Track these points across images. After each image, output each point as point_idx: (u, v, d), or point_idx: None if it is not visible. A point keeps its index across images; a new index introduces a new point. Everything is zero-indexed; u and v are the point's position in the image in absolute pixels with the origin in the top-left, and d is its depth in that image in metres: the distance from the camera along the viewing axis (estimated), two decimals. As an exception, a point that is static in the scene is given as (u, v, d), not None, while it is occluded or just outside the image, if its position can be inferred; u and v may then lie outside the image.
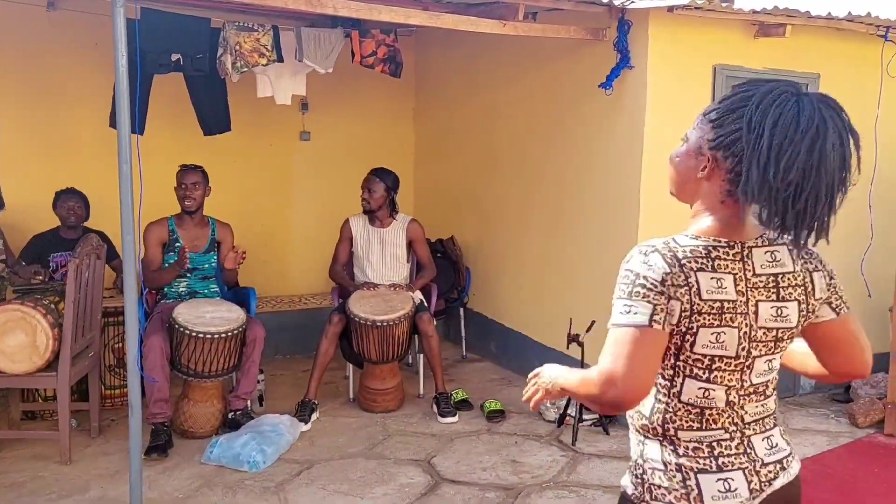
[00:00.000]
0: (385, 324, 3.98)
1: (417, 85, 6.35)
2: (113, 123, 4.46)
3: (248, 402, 4.04)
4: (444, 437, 3.91)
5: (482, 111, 5.42)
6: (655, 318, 1.26)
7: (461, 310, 5.40)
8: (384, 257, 4.45)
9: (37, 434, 3.81)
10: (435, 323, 4.26)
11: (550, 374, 1.50)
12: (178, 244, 4.10)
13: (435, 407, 4.19)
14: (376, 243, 4.45)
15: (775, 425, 1.43)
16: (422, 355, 4.50)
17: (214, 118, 4.65)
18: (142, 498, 3.06)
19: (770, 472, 1.37)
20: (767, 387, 1.40)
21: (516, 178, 5.02)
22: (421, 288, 4.50)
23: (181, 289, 4.13)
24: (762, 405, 1.39)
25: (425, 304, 4.43)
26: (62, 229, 4.57)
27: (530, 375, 1.56)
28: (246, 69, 4.02)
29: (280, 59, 4.08)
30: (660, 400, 1.37)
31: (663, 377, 1.35)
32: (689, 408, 1.34)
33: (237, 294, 4.36)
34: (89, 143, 5.23)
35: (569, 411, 3.97)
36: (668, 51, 3.90)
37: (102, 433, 3.91)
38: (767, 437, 1.39)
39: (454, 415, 4.12)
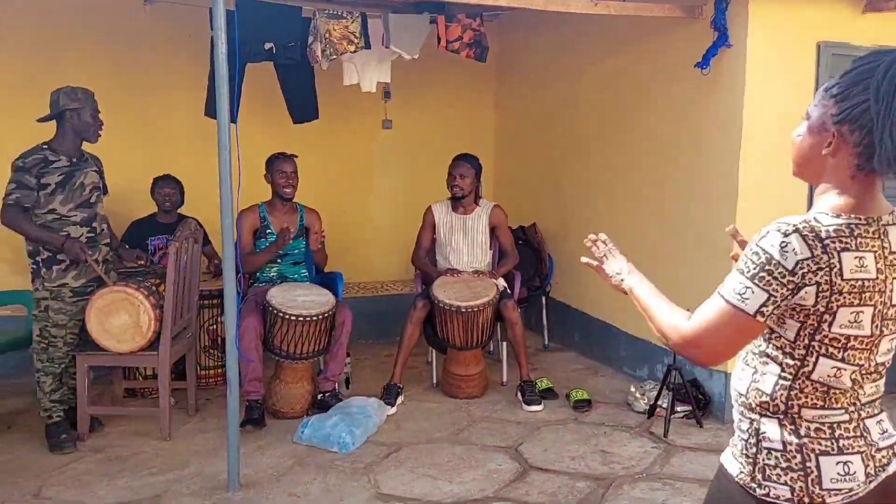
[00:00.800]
0: (469, 310, 3.96)
1: (499, 70, 6.30)
2: (209, 112, 4.62)
3: (336, 384, 4.11)
4: (529, 425, 3.87)
5: (566, 95, 5.33)
6: (763, 309, 1.26)
7: (543, 298, 5.34)
8: (467, 244, 4.44)
9: (139, 410, 3.99)
10: (519, 310, 4.22)
11: (626, 274, 1.60)
12: (269, 231, 4.20)
13: (519, 395, 4.16)
14: (459, 230, 4.45)
15: (882, 409, 1.40)
16: (504, 343, 4.48)
17: (303, 107, 4.73)
18: (239, 474, 3.16)
19: (884, 456, 1.35)
20: (884, 367, 1.38)
21: (602, 164, 4.91)
22: (503, 275, 4.46)
23: (272, 273, 4.24)
24: (876, 386, 1.38)
25: (508, 291, 4.39)
26: (159, 214, 4.76)
27: (602, 241, 1.72)
28: (335, 56, 4.06)
29: (367, 46, 4.11)
30: (785, 378, 1.33)
31: (792, 356, 1.32)
32: (817, 385, 1.32)
33: (325, 279, 4.44)
34: (184, 132, 5.41)
35: (660, 402, 3.87)
36: (769, 28, 3.71)
37: (199, 411, 4.05)
38: (879, 421, 1.38)
39: (539, 403, 4.07)
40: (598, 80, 4.92)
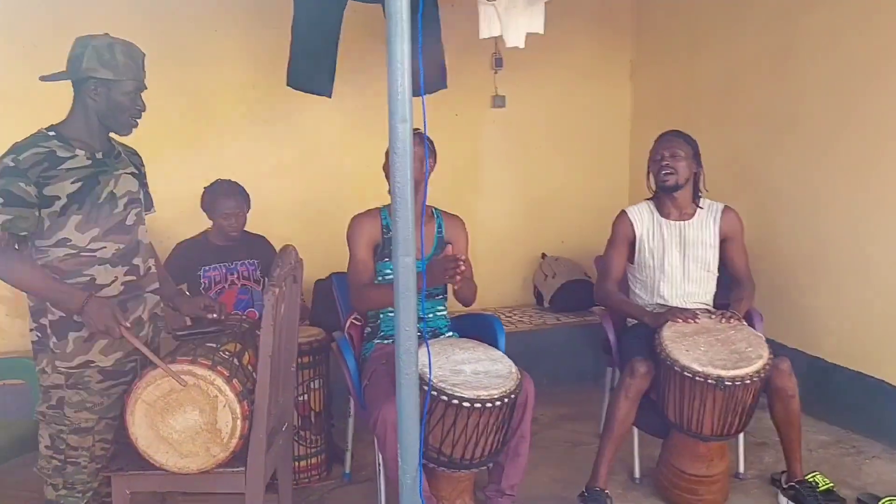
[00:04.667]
0: (737, 383, 2.48)
1: (637, 28, 4.83)
2: (294, 81, 3.18)
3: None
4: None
5: (756, 54, 3.87)
6: None
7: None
8: (686, 265, 2.96)
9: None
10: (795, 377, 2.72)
11: None
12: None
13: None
14: (675, 245, 2.96)
15: None
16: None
17: (429, 72, 3.24)
18: None
19: None
20: None
21: (823, 148, 3.48)
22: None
23: (402, 321, 2.76)
24: None
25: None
26: (213, 234, 3.32)
27: None
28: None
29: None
30: None
31: None
32: None
33: (470, 323, 2.98)
34: (235, 118, 3.98)
35: None
36: None
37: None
38: None
39: (833, 520, 2.62)
40: (820, 25, 3.44)
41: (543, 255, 4.70)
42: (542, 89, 4.68)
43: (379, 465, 2.59)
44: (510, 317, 4.47)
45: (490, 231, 4.65)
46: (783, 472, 2.82)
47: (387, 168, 2.72)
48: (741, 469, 3.02)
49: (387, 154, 2.72)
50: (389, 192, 1.81)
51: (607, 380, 3.44)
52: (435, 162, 2.79)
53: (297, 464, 3.05)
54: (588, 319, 4.36)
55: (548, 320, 4.38)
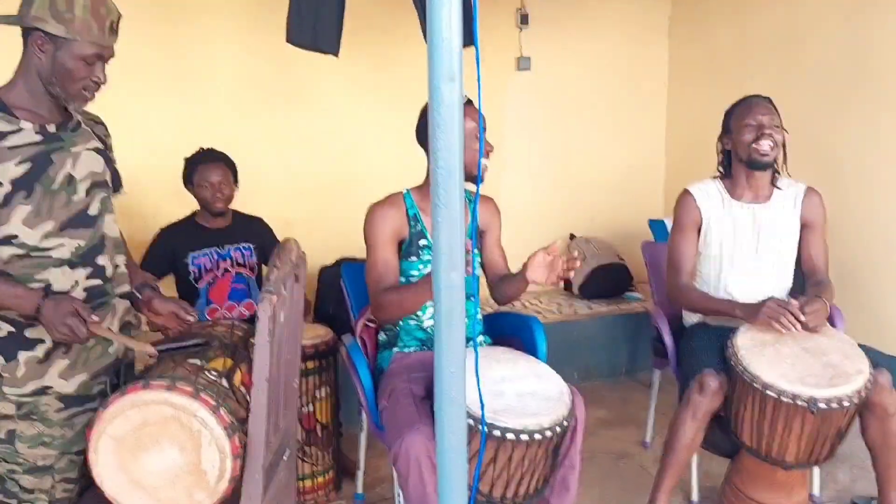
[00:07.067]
0: (833, 405, 2.05)
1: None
2: (294, 38, 2.70)
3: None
4: None
5: (824, 5, 3.38)
6: None
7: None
8: (761, 257, 2.52)
9: None
10: (896, 389, 2.30)
11: None
12: (424, 239, 2.29)
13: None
14: (748, 232, 2.52)
15: None
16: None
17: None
18: None
19: None
20: None
21: None
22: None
23: (426, 321, 2.33)
24: None
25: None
26: (201, 215, 2.89)
27: None
28: None
29: None
30: None
31: None
32: None
33: (507, 324, 2.56)
34: (227, 81, 3.51)
35: None
36: None
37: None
38: None
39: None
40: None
41: (572, 236, 4.26)
42: (571, 50, 4.21)
43: (397, 495, 2.18)
44: (536, 304, 4.06)
45: (514, 208, 4.13)
46: (872, 498, 2.42)
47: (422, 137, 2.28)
48: (815, 490, 2.62)
49: (421, 117, 2.27)
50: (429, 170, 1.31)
51: (655, 381, 3.03)
52: (491, 147, 2.28)
53: (301, 483, 2.66)
54: (622, 308, 3.94)
55: (578, 309, 3.95)
